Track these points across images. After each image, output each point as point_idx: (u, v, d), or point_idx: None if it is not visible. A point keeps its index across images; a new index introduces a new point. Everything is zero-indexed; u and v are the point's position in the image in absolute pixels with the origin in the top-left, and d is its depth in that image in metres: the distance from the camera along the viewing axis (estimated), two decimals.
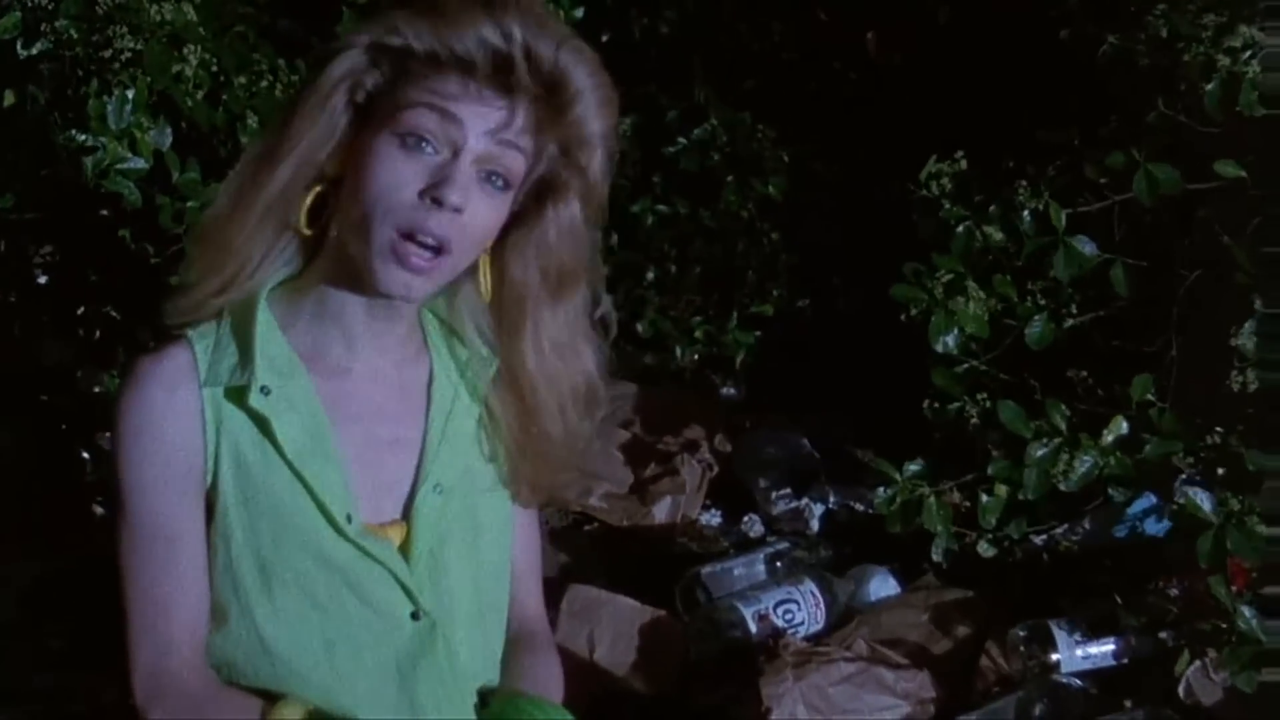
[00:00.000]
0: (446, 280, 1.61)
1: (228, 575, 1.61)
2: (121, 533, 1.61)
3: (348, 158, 1.57)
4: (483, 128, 1.54)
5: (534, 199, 1.63)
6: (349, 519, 1.60)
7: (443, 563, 1.66)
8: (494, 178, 1.56)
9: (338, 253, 1.59)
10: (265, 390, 1.59)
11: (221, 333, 1.62)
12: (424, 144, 1.53)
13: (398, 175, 1.53)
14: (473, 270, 1.65)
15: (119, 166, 2.49)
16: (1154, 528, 2.75)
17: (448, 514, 1.67)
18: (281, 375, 1.60)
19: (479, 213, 1.56)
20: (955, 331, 2.69)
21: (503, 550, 1.75)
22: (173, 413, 1.58)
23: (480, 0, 1.52)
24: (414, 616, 1.64)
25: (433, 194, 1.52)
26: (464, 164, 1.53)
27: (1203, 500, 2.44)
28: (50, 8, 2.54)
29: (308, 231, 1.61)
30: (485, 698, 1.72)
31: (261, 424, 1.59)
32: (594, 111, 1.58)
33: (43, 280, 2.71)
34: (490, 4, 1.52)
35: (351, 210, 1.56)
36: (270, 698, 1.61)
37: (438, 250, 1.54)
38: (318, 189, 1.59)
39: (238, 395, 1.59)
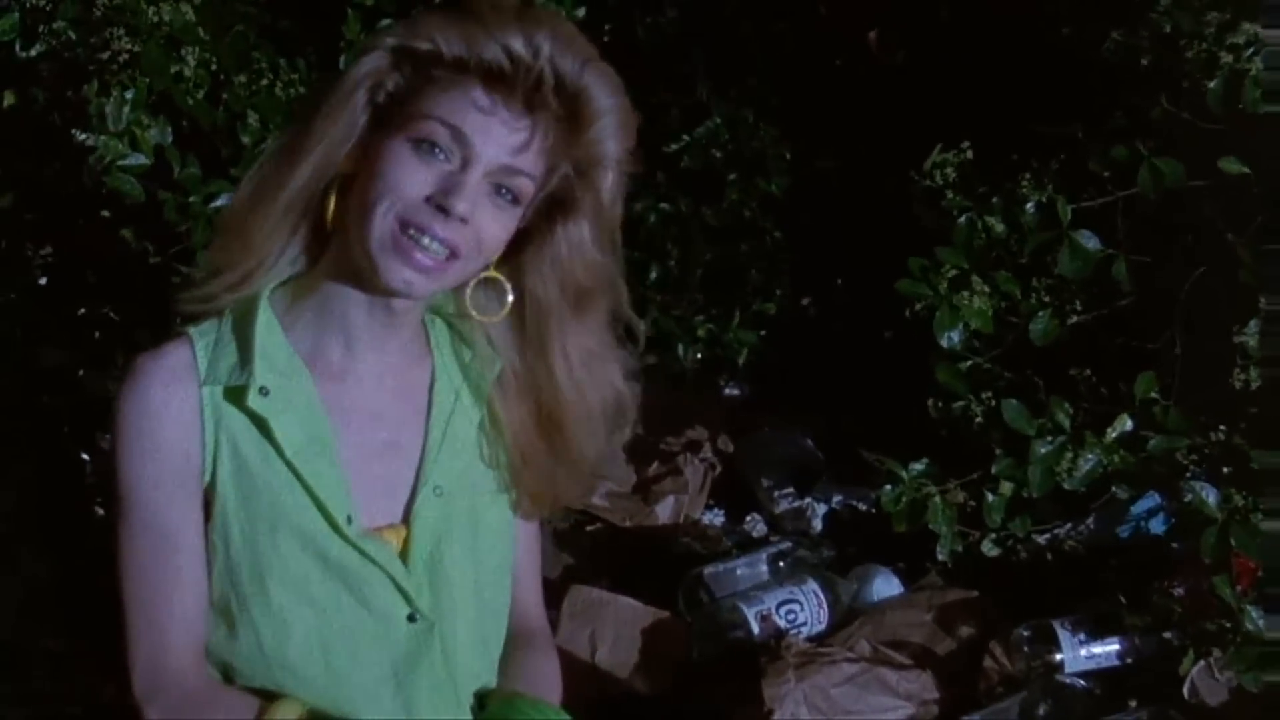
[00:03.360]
0: (450, 284, 1.61)
1: (225, 575, 1.61)
2: (120, 531, 1.61)
3: (360, 156, 1.58)
4: (496, 145, 1.55)
5: (544, 216, 1.63)
6: (349, 520, 1.60)
7: (442, 565, 1.66)
8: (504, 191, 1.57)
9: (344, 251, 1.60)
10: (264, 391, 1.59)
11: (222, 331, 1.63)
12: (436, 150, 1.54)
13: (409, 175, 1.54)
14: (477, 282, 1.65)
15: (120, 163, 2.49)
16: (1158, 527, 2.75)
17: (448, 517, 1.67)
18: (281, 375, 1.60)
19: (486, 224, 1.57)
20: (960, 327, 2.68)
21: (504, 553, 1.75)
22: (171, 410, 1.59)
23: (511, 13, 1.54)
24: (411, 619, 1.64)
25: (439, 201, 1.53)
26: (473, 176, 1.54)
27: (1208, 495, 2.43)
28: (48, 9, 2.54)
29: (330, 225, 1.61)
30: (483, 699, 1.72)
31: (260, 424, 1.59)
32: (612, 133, 1.59)
33: (42, 282, 2.71)
34: (521, 17, 1.53)
35: (357, 204, 1.56)
36: (268, 698, 1.61)
37: (448, 255, 1.55)
38: (336, 188, 1.60)
39: (236, 395, 1.59)
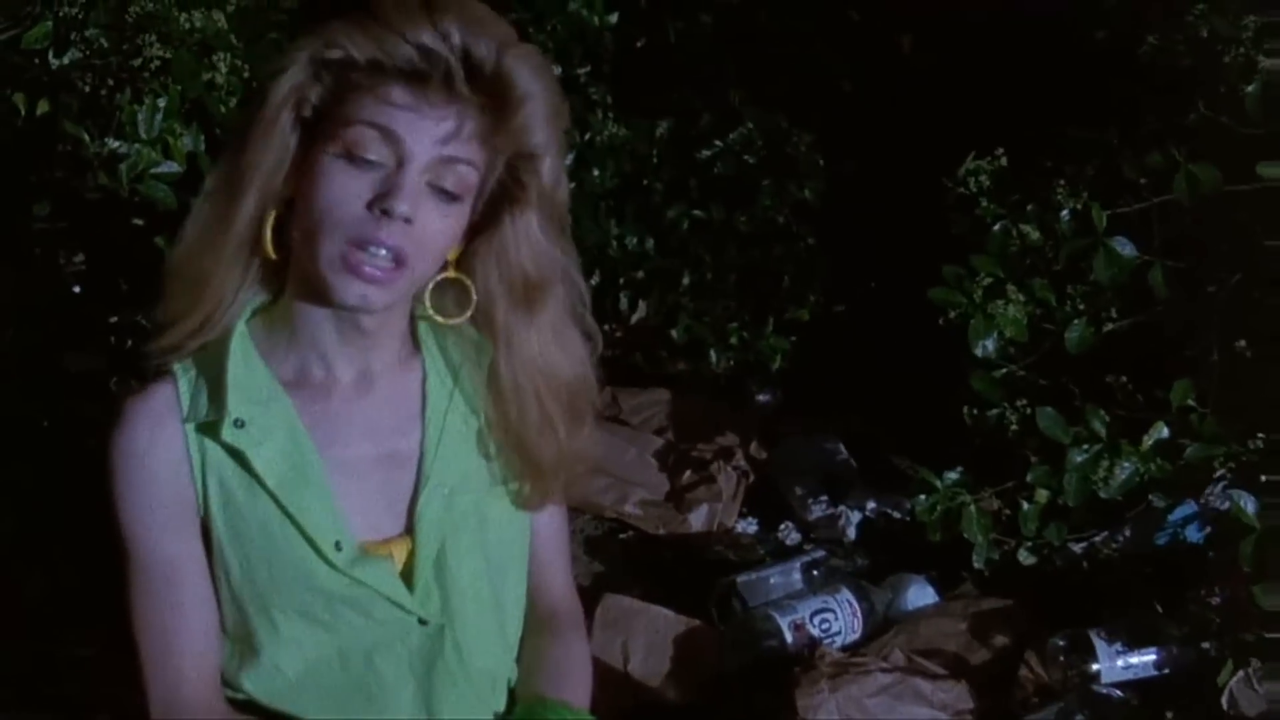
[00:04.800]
0: (406, 292, 1.58)
1: (232, 605, 1.61)
2: (125, 569, 1.62)
3: (297, 177, 1.55)
4: (427, 140, 1.51)
5: (491, 210, 1.61)
6: (338, 546, 1.59)
7: (450, 564, 1.65)
8: (444, 189, 1.53)
9: (301, 272, 1.57)
10: (239, 423, 1.57)
11: (201, 366, 1.61)
12: (370, 159, 1.51)
13: (345, 189, 1.50)
14: (436, 285, 1.62)
15: (153, 171, 2.50)
16: (1195, 535, 2.73)
17: (453, 514, 1.65)
18: (258, 404, 1.58)
19: (431, 223, 1.53)
20: (994, 335, 2.66)
21: (515, 544, 1.74)
22: (158, 451, 1.58)
23: (418, 4, 1.50)
24: (422, 622, 1.64)
25: (381, 205, 1.50)
26: (410, 174, 1.51)
27: (1247, 504, 2.40)
28: (80, 17, 2.55)
29: (274, 256, 1.58)
30: (511, 695, 1.73)
31: (239, 457, 1.58)
32: (541, 118, 1.56)
33: (75, 290, 2.71)
34: (428, 7, 1.50)
35: (302, 227, 1.54)
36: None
37: (395, 262, 1.51)
38: (275, 212, 1.57)
39: (212, 430, 1.58)
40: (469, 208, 1.58)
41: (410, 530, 1.63)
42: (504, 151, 1.57)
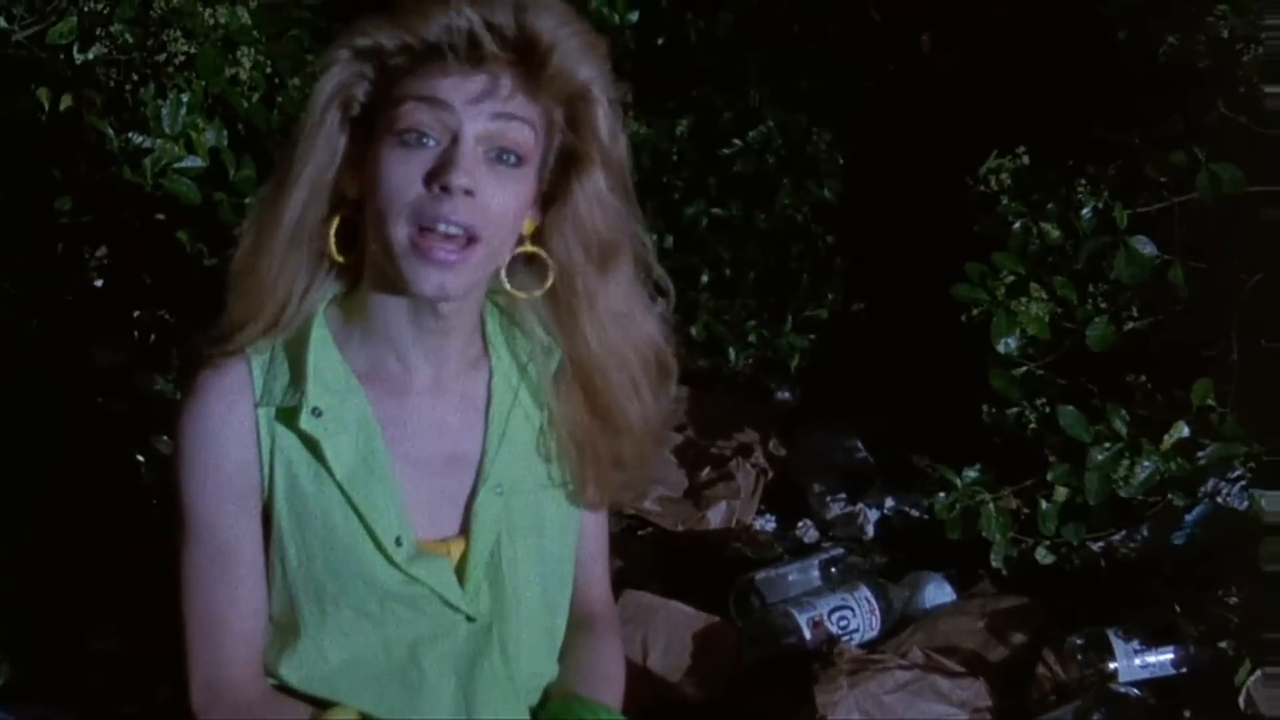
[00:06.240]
0: (483, 272, 1.58)
1: (283, 591, 1.63)
2: (181, 544, 1.62)
3: (359, 176, 1.57)
4: (474, 106, 1.52)
5: (560, 176, 1.61)
6: (398, 542, 1.60)
7: (504, 564, 1.66)
8: (504, 155, 1.54)
9: (376, 272, 1.59)
10: (317, 412, 1.59)
11: (277, 350, 1.62)
12: (424, 138, 1.52)
13: (403, 171, 1.52)
14: (515, 259, 1.63)
15: (177, 166, 2.51)
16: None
17: (510, 514, 1.67)
18: (335, 394, 1.60)
19: (495, 194, 1.54)
20: (1017, 333, 2.66)
21: (567, 546, 1.75)
22: (229, 428, 1.59)
23: None
24: (470, 619, 1.65)
25: (439, 181, 1.50)
26: (466, 146, 1.52)
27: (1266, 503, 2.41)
28: (105, 13, 2.56)
29: (340, 258, 1.60)
30: (544, 694, 1.74)
31: (313, 446, 1.59)
32: (576, 58, 1.56)
33: (98, 284, 2.72)
34: None
35: (371, 221, 1.55)
36: (325, 707, 1.63)
37: (467, 239, 1.52)
38: (341, 215, 1.59)
39: (289, 416, 1.59)
40: (534, 174, 1.58)
41: (466, 529, 1.65)
42: (555, 101, 1.57)
